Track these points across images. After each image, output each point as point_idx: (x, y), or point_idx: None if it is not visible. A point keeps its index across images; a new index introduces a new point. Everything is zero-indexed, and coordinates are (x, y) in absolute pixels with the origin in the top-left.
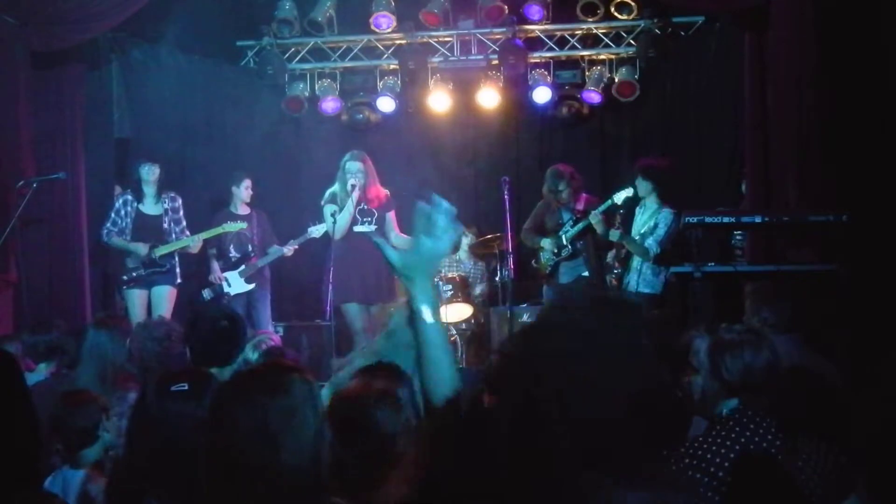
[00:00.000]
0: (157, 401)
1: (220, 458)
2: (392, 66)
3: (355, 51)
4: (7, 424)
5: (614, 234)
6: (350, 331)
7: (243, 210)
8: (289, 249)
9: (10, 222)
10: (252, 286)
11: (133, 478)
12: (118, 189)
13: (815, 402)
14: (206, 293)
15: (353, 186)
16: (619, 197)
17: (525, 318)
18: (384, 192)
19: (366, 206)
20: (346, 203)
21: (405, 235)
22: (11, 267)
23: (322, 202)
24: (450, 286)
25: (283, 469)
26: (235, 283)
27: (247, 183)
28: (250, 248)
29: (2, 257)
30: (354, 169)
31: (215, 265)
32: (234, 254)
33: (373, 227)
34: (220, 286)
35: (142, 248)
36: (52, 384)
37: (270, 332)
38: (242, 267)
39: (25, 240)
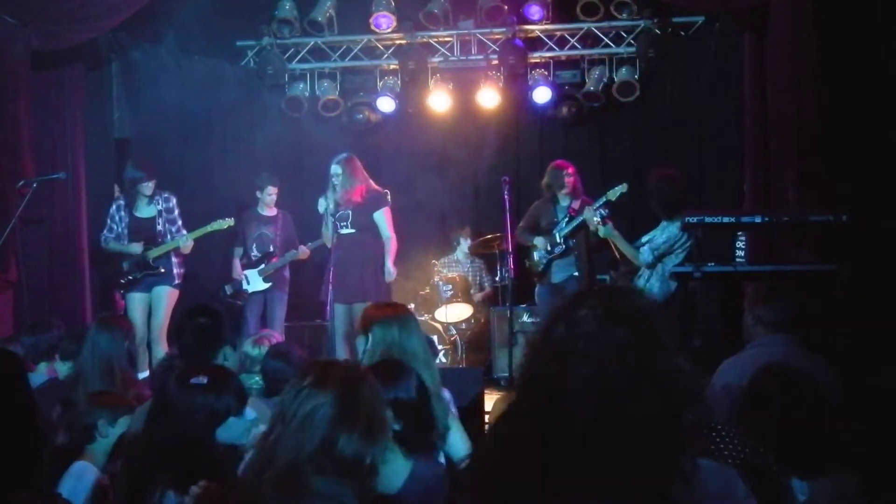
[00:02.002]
0: (177, 393)
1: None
2: (392, 66)
3: (355, 51)
4: (10, 424)
5: (605, 230)
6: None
7: (270, 211)
8: (304, 252)
9: (10, 222)
10: (269, 285)
11: (146, 467)
12: (118, 190)
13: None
14: (227, 288)
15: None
16: (614, 193)
17: (525, 318)
18: (364, 192)
19: (344, 210)
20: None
21: (393, 238)
22: (11, 267)
23: (320, 209)
24: (450, 286)
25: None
26: (254, 281)
27: (270, 189)
28: (272, 248)
29: (2, 257)
30: (332, 173)
31: (237, 262)
32: (255, 252)
33: (352, 230)
34: (240, 282)
35: (136, 248)
36: (56, 384)
37: (271, 331)
38: (262, 266)
39: (25, 240)
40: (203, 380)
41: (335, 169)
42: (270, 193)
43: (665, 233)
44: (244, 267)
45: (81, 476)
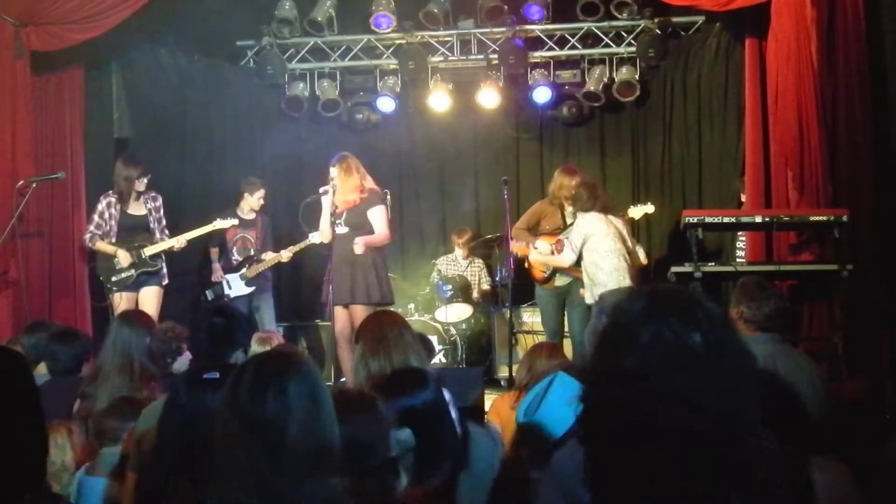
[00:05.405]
0: (187, 389)
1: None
2: (392, 66)
3: (355, 51)
4: (15, 424)
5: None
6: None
7: (249, 214)
8: (286, 254)
9: (10, 222)
10: (252, 289)
11: (161, 465)
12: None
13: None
14: (209, 294)
15: (326, 192)
16: (637, 212)
17: (525, 318)
18: (360, 191)
19: (341, 209)
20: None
21: (384, 233)
22: (11, 267)
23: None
24: (450, 286)
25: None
26: (236, 286)
27: (260, 193)
28: (252, 251)
29: (2, 257)
30: (332, 175)
31: (217, 266)
32: (236, 256)
33: (345, 230)
34: (221, 287)
35: (123, 258)
36: (60, 384)
37: (273, 332)
38: (243, 270)
39: (25, 240)
40: (215, 375)
41: (332, 171)
42: (260, 198)
43: (574, 226)
44: (225, 271)
45: (92, 491)
